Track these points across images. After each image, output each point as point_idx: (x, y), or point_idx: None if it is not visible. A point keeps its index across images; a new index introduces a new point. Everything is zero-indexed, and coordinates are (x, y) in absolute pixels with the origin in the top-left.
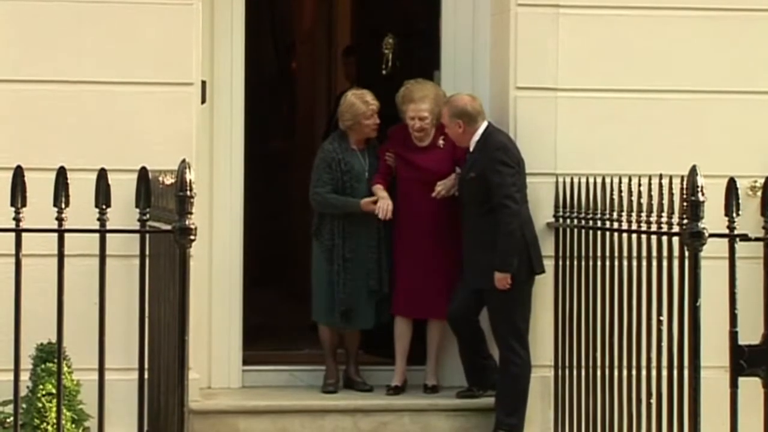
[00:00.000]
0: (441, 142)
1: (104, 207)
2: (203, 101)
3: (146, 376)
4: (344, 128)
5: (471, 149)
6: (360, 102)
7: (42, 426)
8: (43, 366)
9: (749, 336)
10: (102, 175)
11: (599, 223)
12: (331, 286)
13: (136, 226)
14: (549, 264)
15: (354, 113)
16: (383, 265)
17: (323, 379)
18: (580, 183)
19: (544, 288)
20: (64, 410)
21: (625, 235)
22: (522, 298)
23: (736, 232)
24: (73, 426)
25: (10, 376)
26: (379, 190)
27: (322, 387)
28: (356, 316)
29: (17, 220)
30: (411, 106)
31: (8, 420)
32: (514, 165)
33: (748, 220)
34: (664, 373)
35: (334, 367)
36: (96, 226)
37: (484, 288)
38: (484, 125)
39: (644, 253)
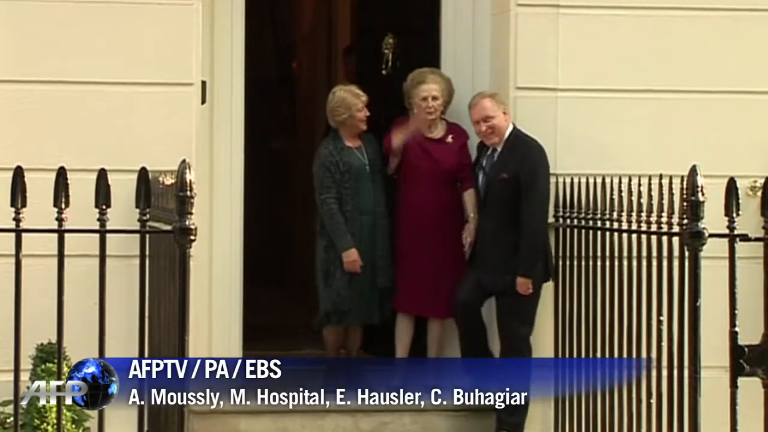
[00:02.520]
0: (450, 138)
1: (104, 207)
2: (203, 101)
3: None
4: (336, 125)
5: (499, 147)
6: (351, 95)
7: (42, 426)
8: (43, 366)
9: (749, 336)
10: (102, 175)
11: (599, 223)
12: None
13: (136, 226)
14: None
15: (348, 106)
16: (386, 260)
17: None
18: (580, 183)
19: (544, 288)
20: (64, 410)
21: (625, 235)
22: (534, 303)
23: (736, 232)
24: (73, 426)
25: (10, 377)
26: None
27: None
28: (361, 310)
29: (17, 220)
30: (422, 86)
31: (8, 420)
32: (548, 170)
33: (748, 220)
34: (665, 372)
35: None
36: (96, 226)
37: (500, 291)
38: (512, 125)
39: (644, 253)
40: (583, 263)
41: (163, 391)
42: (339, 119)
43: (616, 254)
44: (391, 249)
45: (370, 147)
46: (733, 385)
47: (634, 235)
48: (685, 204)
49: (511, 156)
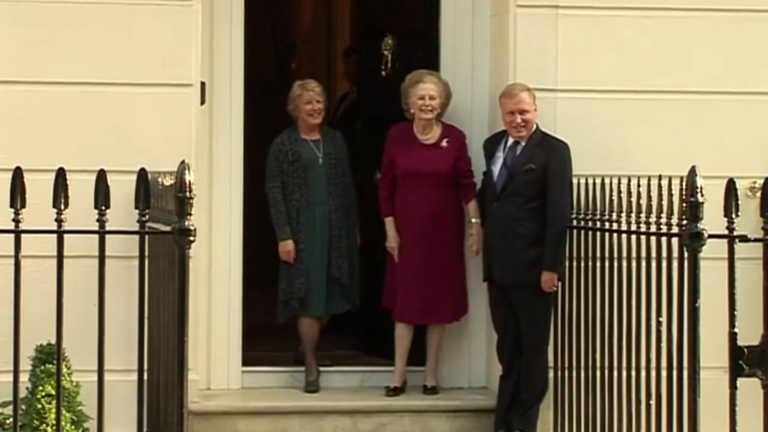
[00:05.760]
0: (445, 143)
1: (103, 208)
2: (202, 102)
3: (146, 377)
4: (292, 115)
5: (523, 142)
6: (298, 87)
7: (41, 427)
8: (42, 367)
9: (748, 337)
10: (101, 176)
11: (599, 224)
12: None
13: (136, 227)
14: None
15: (292, 97)
16: (338, 251)
17: (305, 377)
18: (579, 184)
19: None
20: (64, 411)
21: (624, 236)
22: (553, 302)
23: (735, 233)
24: (73, 427)
25: (10, 378)
26: (389, 223)
27: (304, 387)
28: (318, 300)
29: (16, 221)
30: (420, 85)
31: (8, 421)
32: (572, 169)
33: (747, 221)
34: (664, 374)
35: (314, 364)
36: (95, 227)
37: (519, 285)
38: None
39: (644, 254)
40: (582, 264)
41: (162, 391)
42: (288, 109)
43: (616, 255)
44: (348, 242)
45: (331, 143)
46: (733, 386)
47: (633, 236)
48: (684, 205)
49: (539, 149)
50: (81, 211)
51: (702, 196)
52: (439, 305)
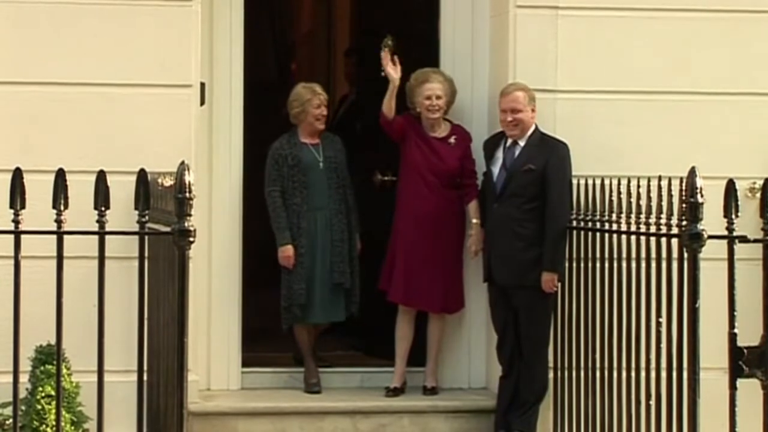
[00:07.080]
0: (452, 140)
1: (103, 209)
2: (202, 103)
3: (145, 378)
4: (293, 120)
5: (522, 142)
6: (307, 91)
7: (41, 428)
8: (42, 368)
9: (748, 337)
10: (101, 177)
11: (598, 225)
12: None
13: (135, 228)
14: None
15: (301, 101)
16: (341, 257)
17: (304, 379)
18: (579, 185)
19: None
20: (63, 412)
21: (624, 236)
22: (554, 302)
23: (735, 233)
24: (73, 428)
25: (10, 378)
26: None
27: (305, 388)
28: (319, 306)
29: (16, 222)
30: (426, 85)
31: (7, 422)
32: (571, 169)
33: (747, 222)
34: (664, 374)
35: (314, 367)
36: (95, 228)
37: (519, 285)
38: (534, 125)
39: (643, 255)
40: (582, 265)
41: (162, 392)
42: (293, 113)
43: (615, 256)
44: (350, 248)
45: (331, 147)
46: (732, 387)
47: (633, 237)
48: (684, 205)
49: (538, 150)
50: (81, 211)
51: (702, 196)
52: (430, 293)
